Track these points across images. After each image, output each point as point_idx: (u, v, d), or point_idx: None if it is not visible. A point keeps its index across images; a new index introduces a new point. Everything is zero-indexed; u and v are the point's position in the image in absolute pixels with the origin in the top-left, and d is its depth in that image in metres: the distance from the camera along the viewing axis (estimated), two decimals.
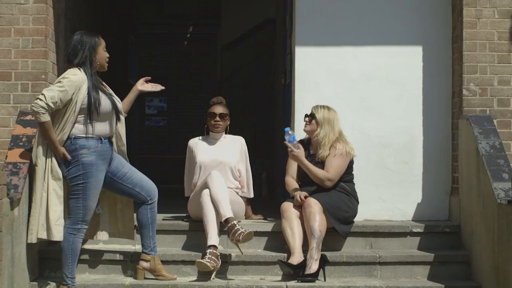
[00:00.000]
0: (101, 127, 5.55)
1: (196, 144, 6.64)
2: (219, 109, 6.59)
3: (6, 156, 5.74)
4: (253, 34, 12.29)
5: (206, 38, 18.18)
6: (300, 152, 6.23)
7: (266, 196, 10.07)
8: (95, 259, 6.02)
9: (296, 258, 5.89)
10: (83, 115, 5.49)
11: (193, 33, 18.79)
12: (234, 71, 12.58)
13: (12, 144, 5.81)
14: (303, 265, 5.84)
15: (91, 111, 5.47)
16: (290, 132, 6.21)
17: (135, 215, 5.92)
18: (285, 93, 8.04)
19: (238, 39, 12.55)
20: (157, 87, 6.03)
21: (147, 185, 5.81)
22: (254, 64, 12.19)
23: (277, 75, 10.10)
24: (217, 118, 6.57)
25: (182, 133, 16.78)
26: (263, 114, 11.74)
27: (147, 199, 5.80)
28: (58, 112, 5.47)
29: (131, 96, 5.97)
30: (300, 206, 6.11)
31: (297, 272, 5.84)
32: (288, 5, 7.63)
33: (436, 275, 6.11)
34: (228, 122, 6.65)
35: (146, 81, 6.02)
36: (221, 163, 6.47)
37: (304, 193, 6.12)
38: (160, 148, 18.19)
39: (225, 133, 6.68)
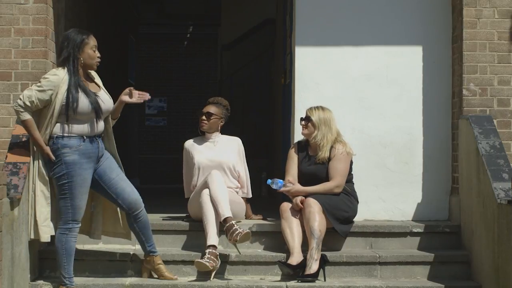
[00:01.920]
0: (80, 127, 5.51)
1: (192, 145, 6.63)
2: (208, 108, 6.59)
3: (6, 156, 5.74)
4: (253, 34, 12.29)
5: (206, 38, 18.19)
6: (296, 186, 6.22)
7: (266, 196, 10.06)
8: (95, 259, 6.02)
9: (295, 258, 5.89)
10: (63, 115, 5.47)
11: (193, 33, 18.80)
12: (234, 71, 12.58)
13: (12, 144, 5.81)
14: (302, 265, 5.84)
15: (67, 111, 5.44)
16: (273, 180, 6.21)
17: None
18: (285, 93, 8.05)
19: (238, 39, 12.55)
20: (143, 97, 5.74)
21: (130, 198, 5.71)
22: (254, 64, 12.20)
23: (277, 75, 10.10)
24: (203, 117, 6.57)
25: (182, 133, 16.78)
26: (263, 114, 11.74)
27: (129, 212, 5.77)
28: (42, 112, 5.47)
29: (115, 105, 5.77)
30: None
31: (297, 272, 5.84)
32: (288, 5, 7.63)
33: (436, 275, 6.11)
34: (220, 123, 6.59)
35: (130, 91, 5.74)
36: (219, 163, 6.47)
37: (300, 198, 6.12)
38: (160, 148, 18.20)
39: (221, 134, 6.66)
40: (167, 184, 14.00)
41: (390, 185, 6.86)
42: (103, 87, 5.71)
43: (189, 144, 6.65)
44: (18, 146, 5.77)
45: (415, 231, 6.44)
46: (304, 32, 6.89)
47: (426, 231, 6.45)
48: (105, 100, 5.63)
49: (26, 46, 6.28)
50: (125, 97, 5.73)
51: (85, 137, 5.53)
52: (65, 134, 5.48)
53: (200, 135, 6.68)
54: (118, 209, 5.90)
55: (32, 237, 5.52)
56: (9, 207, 5.26)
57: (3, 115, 6.26)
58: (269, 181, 6.27)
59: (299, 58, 6.90)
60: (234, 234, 5.80)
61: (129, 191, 5.73)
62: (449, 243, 6.45)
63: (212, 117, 6.54)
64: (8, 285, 5.24)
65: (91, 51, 5.58)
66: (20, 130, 5.88)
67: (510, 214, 5.45)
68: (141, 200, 5.78)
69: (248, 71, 12.37)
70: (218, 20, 14.00)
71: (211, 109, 6.58)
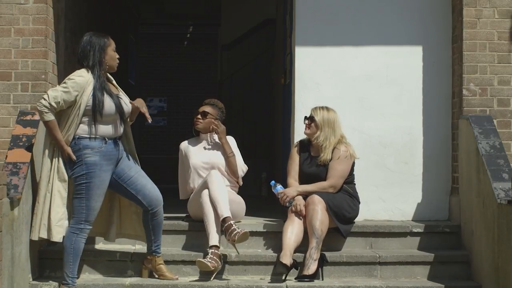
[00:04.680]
0: (105, 129, 5.55)
1: (187, 147, 6.64)
2: (204, 108, 6.62)
3: (6, 156, 5.74)
4: (253, 34, 12.28)
5: (206, 38, 18.19)
6: (291, 189, 6.20)
7: (266, 196, 10.07)
8: (95, 259, 6.02)
9: (287, 259, 5.84)
10: (87, 117, 5.50)
11: (193, 33, 18.80)
12: (234, 71, 12.58)
13: (12, 144, 5.81)
14: (294, 265, 5.84)
15: (94, 113, 5.47)
16: (276, 184, 6.24)
17: None
18: (285, 93, 8.04)
19: (238, 39, 12.54)
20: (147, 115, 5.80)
21: (150, 194, 5.77)
22: (254, 64, 12.19)
23: (277, 75, 10.10)
24: (199, 116, 6.59)
25: (182, 133, 16.79)
26: (263, 114, 11.74)
27: (148, 209, 5.79)
28: (64, 112, 5.49)
29: (132, 109, 5.80)
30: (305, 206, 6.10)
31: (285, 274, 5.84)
32: (288, 5, 7.63)
33: (436, 275, 6.11)
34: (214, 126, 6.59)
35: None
36: (214, 164, 6.47)
37: (301, 204, 6.10)
38: (160, 148, 18.20)
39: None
40: (167, 184, 14.00)
41: (390, 185, 6.86)
42: (120, 89, 5.75)
43: (184, 146, 6.66)
44: (18, 146, 5.77)
45: (415, 231, 6.44)
46: (304, 32, 6.89)
47: (426, 231, 6.45)
48: (126, 102, 5.70)
49: (26, 46, 6.28)
50: (141, 107, 5.77)
51: (107, 139, 5.55)
52: (88, 135, 5.50)
53: (195, 136, 6.69)
54: (133, 211, 5.93)
55: (44, 236, 5.49)
56: (9, 207, 5.26)
57: (3, 115, 6.25)
58: (272, 182, 6.26)
59: (299, 58, 6.90)
60: (233, 234, 5.81)
61: (150, 187, 5.79)
62: (449, 243, 6.45)
63: (207, 116, 6.55)
64: (8, 285, 5.24)
65: (113, 52, 5.68)
66: (20, 130, 5.89)
67: (510, 214, 5.45)
68: (162, 198, 5.83)
69: (248, 71, 12.36)
70: (218, 20, 13.99)
71: (207, 109, 6.60)
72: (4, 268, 5.16)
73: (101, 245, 6.20)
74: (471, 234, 6.20)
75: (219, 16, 13.68)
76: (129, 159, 5.77)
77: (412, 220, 6.80)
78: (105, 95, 5.52)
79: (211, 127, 6.54)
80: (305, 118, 6.36)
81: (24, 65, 6.27)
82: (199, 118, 6.60)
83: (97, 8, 9.66)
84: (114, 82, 5.78)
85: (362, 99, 6.88)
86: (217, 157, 6.53)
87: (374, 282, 5.98)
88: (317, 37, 6.89)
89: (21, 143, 5.79)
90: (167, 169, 16.48)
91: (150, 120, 5.79)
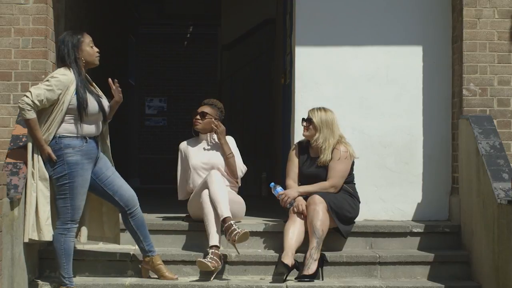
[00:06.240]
0: (87, 128, 5.53)
1: (187, 147, 6.64)
2: (203, 108, 6.62)
3: (6, 156, 5.74)
4: (253, 34, 12.28)
5: (206, 38, 18.20)
6: (290, 189, 6.22)
7: (266, 196, 10.06)
8: (95, 259, 6.02)
9: (289, 259, 5.84)
10: (69, 115, 5.46)
11: (193, 33, 18.80)
12: (234, 71, 12.58)
13: (12, 144, 5.81)
14: (295, 266, 5.84)
15: (80, 112, 5.45)
16: (275, 186, 6.24)
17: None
18: (285, 93, 8.05)
19: (238, 39, 12.54)
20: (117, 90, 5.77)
21: (126, 194, 5.76)
22: (254, 64, 12.20)
23: (277, 75, 10.10)
24: (198, 116, 6.60)
25: (182, 133, 16.79)
26: (263, 114, 11.74)
27: (125, 209, 5.78)
28: (44, 111, 5.44)
29: (111, 106, 5.81)
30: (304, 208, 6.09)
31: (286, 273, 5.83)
32: (288, 5, 7.64)
33: (436, 275, 6.11)
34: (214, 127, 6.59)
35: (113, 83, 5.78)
36: (214, 165, 6.47)
37: (302, 205, 6.09)
38: (160, 148, 18.20)
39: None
40: (167, 184, 14.01)
41: (390, 185, 6.86)
42: (98, 89, 5.73)
43: (184, 146, 6.66)
44: (18, 146, 5.77)
45: (415, 231, 6.44)
46: (304, 32, 6.89)
47: (426, 231, 6.45)
48: (105, 101, 5.68)
49: (26, 46, 6.28)
50: (117, 97, 5.76)
51: (87, 138, 5.54)
52: (70, 134, 5.48)
53: (194, 136, 6.69)
54: (103, 212, 5.91)
55: (35, 238, 5.46)
56: (9, 207, 5.26)
57: (3, 115, 6.26)
58: (272, 184, 6.26)
59: (299, 58, 6.90)
60: (233, 234, 5.81)
61: (126, 188, 5.78)
62: (449, 243, 6.45)
63: (206, 117, 6.56)
64: (8, 285, 5.24)
65: (89, 48, 5.61)
66: (20, 130, 5.88)
67: (510, 214, 5.45)
68: (137, 198, 5.82)
69: (248, 71, 12.36)
70: (218, 20, 13.98)
71: (206, 109, 6.60)
72: (4, 268, 5.16)
73: (101, 245, 6.19)
74: (471, 234, 6.20)
75: (219, 16, 13.67)
76: (105, 159, 5.75)
77: (412, 220, 6.80)
78: (88, 94, 5.50)
79: (210, 127, 6.54)
80: (303, 120, 6.35)
81: (24, 65, 6.27)
82: (198, 119, 6.60)
83: (97, 8, 9.67)
84: (93, 83, 5.73)
85: (362, 99, 6.88)
86: (216, 157, 6.53)
87: (374, 282, 5.98)
88: (317, 37, 6.89)
89: (21, 143, 5.78)
90: (167, 169, 16.52)
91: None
